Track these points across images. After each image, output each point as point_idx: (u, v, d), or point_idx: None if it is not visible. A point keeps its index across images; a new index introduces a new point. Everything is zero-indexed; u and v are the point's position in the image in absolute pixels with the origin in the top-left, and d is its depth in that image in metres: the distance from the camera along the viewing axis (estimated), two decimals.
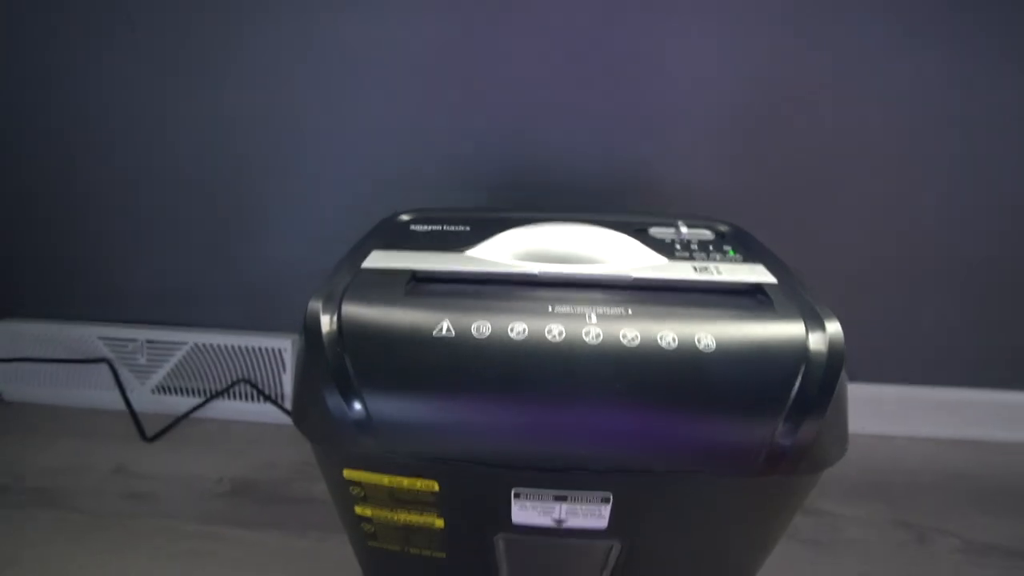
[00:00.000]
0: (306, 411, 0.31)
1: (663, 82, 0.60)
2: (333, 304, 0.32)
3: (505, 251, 0.37)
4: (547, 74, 0.60)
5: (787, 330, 0.30)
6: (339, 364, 0.30)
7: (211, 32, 0.61)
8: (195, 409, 0.74)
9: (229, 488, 0.64)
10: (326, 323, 0.31)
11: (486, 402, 0.28)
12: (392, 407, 0.29)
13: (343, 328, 0.30)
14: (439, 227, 0.42)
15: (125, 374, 0.75)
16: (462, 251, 0.37)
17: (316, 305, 0.32)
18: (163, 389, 0.76)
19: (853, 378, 0.68)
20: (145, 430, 0.72)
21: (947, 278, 0.67)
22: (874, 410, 0.73)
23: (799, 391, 0.28)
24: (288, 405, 0.73)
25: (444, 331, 0.29)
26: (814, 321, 0.30)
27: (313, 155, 0.66)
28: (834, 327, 0.30)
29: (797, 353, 0.29)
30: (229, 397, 0.75)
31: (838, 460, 0.29)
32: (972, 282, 0.67)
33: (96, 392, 0.76)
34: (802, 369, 0.28)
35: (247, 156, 0.66)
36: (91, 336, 0.75)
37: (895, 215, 0.65)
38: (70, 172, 0.69)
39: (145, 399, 0.75)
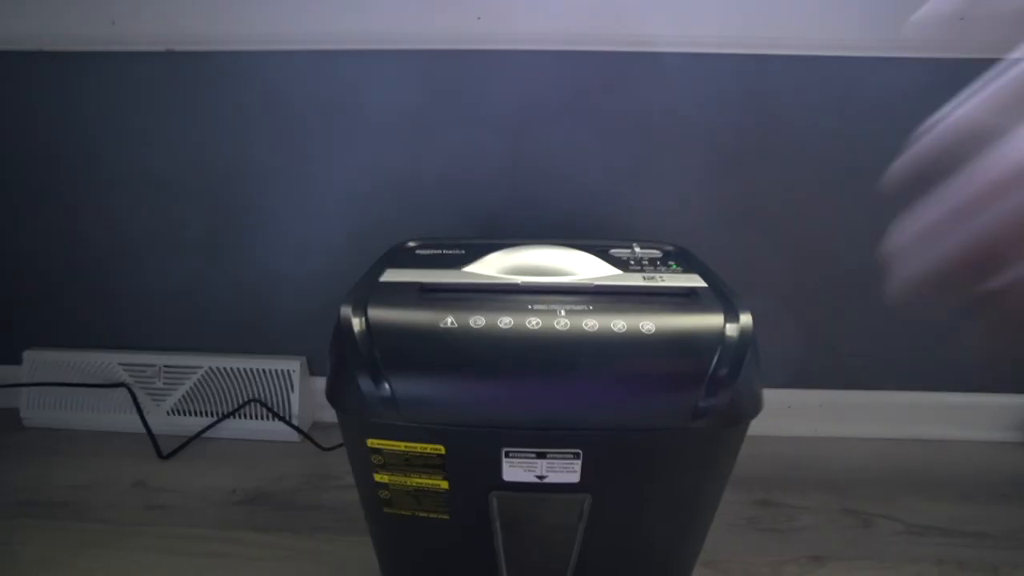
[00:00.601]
0: (341, 393, 0.39)
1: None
2: (361, 309, 0.40)
3: (494, 267, 0.46)
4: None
5: (709, 320, 0.39)
6: (369, 354, 0.38)
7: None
8: (209, 427, 0.80)
9: (243, 498, 0.70)
10: (356, 323, 0.39)
11: (482, 377, 0.37)
12: (410, 385, 0.37)
13: (370, 326, 0.39)
14: (439, 251, 0.51)
15: (143, 397, 0.82)
16: (460, 268, 0.47)
17: (347, 310, 0.40)
18: (178, 411, 0.82)
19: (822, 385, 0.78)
20: (161, 449, 0.77)
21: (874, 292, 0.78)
22: (825, 413, 0.82)
23: (716, 364, 0.37)
24: (297, 422, 0.80)
25: (448, 324, 0.38)
26: (731, 314, 0.40)
27: (321, 193, 0.75)
28: (746, 318, 0.40)
29: (715, 336, 0.38)
30: (241, 417, 0.81)
31: (753, 417, 0.38)
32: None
33: (114, 415, 0.82)
34: (719, 348, 0.38)
35: (258, 187, 0.75)
36: (111, 362, 0.82)
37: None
38: (89, 212, 0.77)
39: (161, 421, 0.81)
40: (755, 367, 0.38)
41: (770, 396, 0.81)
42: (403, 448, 0.39)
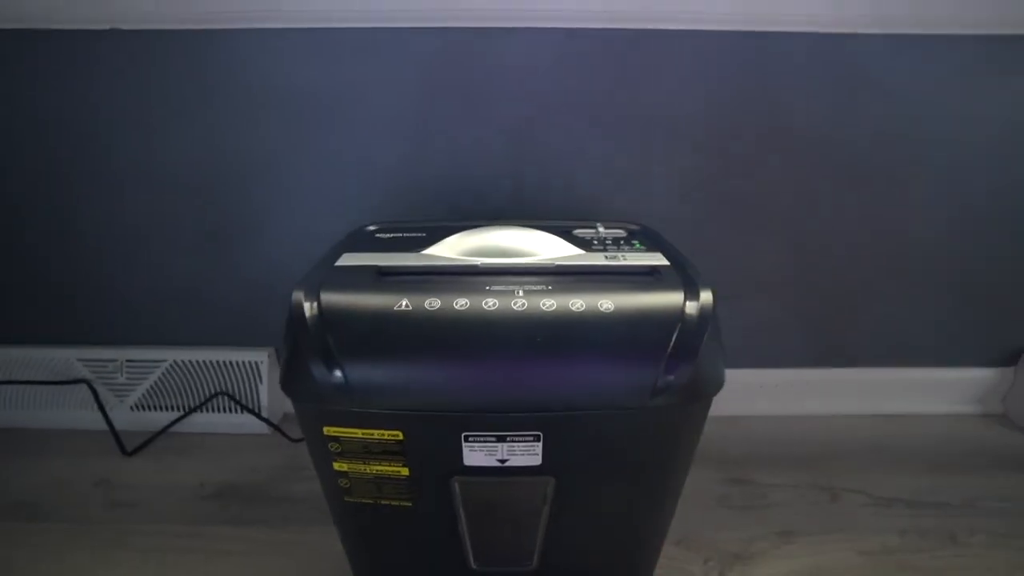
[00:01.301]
0: (294, 380, 0.38)
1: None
2: (313, 294, 0.39)
3: (453, 250, 0.45)
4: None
5: (668, 298, 0.39)
6: (322, 340, 0.37)
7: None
8: (175, 423, 0.78)
9: (212, 492, 0.69)
10: (308, 308, 0.38)
11: (438, 360, 0.36)
12: (364, 371, 0.36)
13: (323, 311, 0.38)
14: (399, 234, 0.50)
15: (104, 393, 0.79)
16: (418, 251, 0.46)
17: (299, 295, 0.39)
18: (142, 406, 0.80)
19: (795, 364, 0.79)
20: (125, 445, 0.75)
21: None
22: (797, 392, 0.83)
23: (676, 341, 0.37)
24: (266, 414, 0.79)
25: (403, 306, 0.37)
26: (691, 291, 0.39)
27: (295, 178, 0.73)
28: (706, 295, 0.39)
29: (674, 314, 0.38)
30: (208, 410, 0.79)
31: (715, 394, 0.38)
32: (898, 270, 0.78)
33: (75, 412, 0.79)
34: (678, 326, 0.37)
35: (234, 174, 0.73)
36: (70, 358, 0.79)
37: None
38: (47, 201, 0.74)
39: (124, 416, 0.79)
40: (716, 344, 0.38)
41: (743, 376, 0.84)
42: (360, 435, 0.38)
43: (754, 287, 0.79)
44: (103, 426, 0.77)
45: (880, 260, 0.78)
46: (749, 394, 0.82)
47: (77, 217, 0.75)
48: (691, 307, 0.38)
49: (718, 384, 0.38)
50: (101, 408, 0.78)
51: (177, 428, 0.79)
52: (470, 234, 0.47)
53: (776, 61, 0.68)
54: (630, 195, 0.73)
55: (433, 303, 0.37)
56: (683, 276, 0.41)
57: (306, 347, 0.37)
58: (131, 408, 0.80)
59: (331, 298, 0.39)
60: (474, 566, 0.45)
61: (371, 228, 0.52)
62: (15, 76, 0.69)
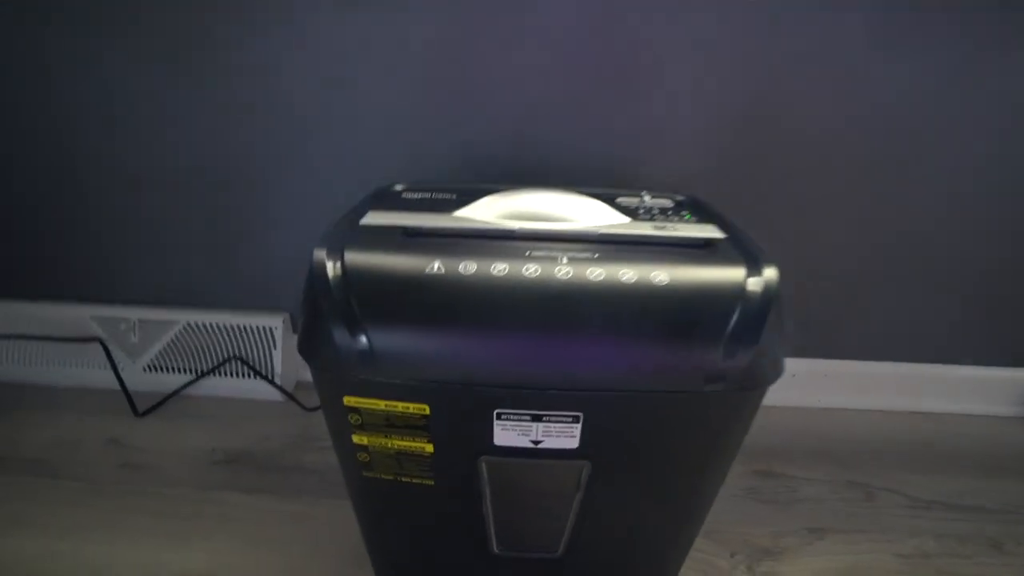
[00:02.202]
0: (314, 345, 0.35)
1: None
2: (336, 253, 0.36)
3: (488, 212, 0.42)
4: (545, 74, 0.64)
5: (728, 273, 0.35)
6: (345, 302, 0.34)
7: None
8: (187, 386, 0.77)
9: (223, 458, 0.67)
10: (331, 269, 0.35)
11: (472, 329, 0.32)
12: (391, 337, 0.33)
13: (347, 272, 0.35)
14: (428, 195, 0.46)
15: (117, 353, 0.77)
16: (450, 213, 0.42)
17: (321, 253, 0.36)
18: (155, 367, 0.78)
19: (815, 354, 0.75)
20: (137, 406, 0.74)
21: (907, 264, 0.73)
22: (829, 384, 0.79)
23: (736, 323, 0.33)
24: (280, 381, 0.76)
25: (435, 269, 0.34)
26: (753, 267, 0.35)
27: (310, 146, 0.70)
28: (770, 272, 0.35)
29: (735, 291, 0.34)
30: (221, 375, 0.77)
31: (773, 382, 0.35)
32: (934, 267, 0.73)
33: (88, 371, 0.78)
34: (739, 305, 0.33)
35: (247, 146, 0.70)
36: (84, 316, 0.78)
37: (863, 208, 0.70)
38: (65, 157, 0.72)
39: (137, 377, 0.77)
40: (778, 327, 0.34)
41: None
42: (383, 407, 0.35)
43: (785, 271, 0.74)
44: (115, 386, 0.76)
45: (921, 249, 0.73)
46: (780, 383, 0.78)
47: (96, 168, 0.72)
48: (753, 284, 0.34)
49: (778, 371, 0.35)
50: (114, 367, 0.76)
51: (189, 391, 0.77)
52: (506, 196, 0.43)
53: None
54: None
55: (468, 267, 0.34)
56: (743, 250, 0.37)
57: (328, 310, 0.34)
58: (143, 369, 0.78)
59: (356, 258, 0.35)
60: (496, 550, 0.42)
61: (398, 187, 0.49)
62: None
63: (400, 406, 0.35)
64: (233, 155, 0.70)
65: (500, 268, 0.33)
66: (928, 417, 0.80)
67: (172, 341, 0.77)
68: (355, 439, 0.37)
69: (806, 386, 0.80)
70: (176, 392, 0.76)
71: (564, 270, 0.33)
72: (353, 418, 0.36)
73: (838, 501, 0.65)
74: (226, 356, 0.77)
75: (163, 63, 0.66)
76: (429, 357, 0.33)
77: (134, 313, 0.77)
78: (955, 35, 0.62)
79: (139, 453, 0.67)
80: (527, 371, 0.33)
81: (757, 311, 0.34)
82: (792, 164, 0.69)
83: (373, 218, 0.41)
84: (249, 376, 0.77)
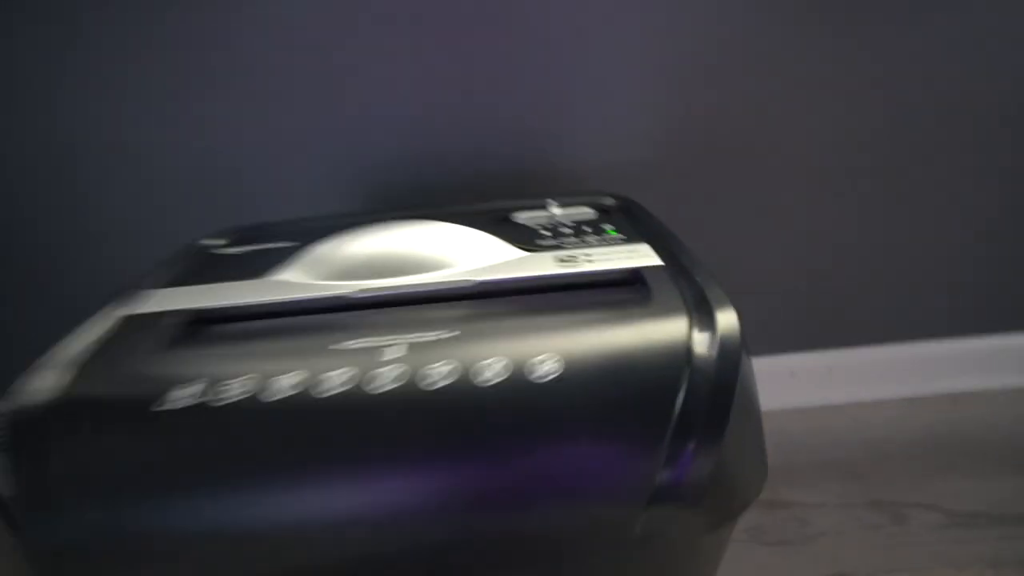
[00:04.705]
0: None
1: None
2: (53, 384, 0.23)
3: (321, 268, 0.28)
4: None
5: (664, 330, 0.22)
6: (44, 468, 0.21)
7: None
8: None
9: None
10: (33, 411, 0.22)
11: (233, 495, 0.20)
12: (97, 520, 0.20)
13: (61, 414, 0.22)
14: (250, 247, 0.33)
15: None
16: (262, 274, 0.29)
17: (26, 387, 0.23)
18: None
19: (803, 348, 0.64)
20: None
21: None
22: (836, 378, 0.67)
23: (680, 413, 0.20)
24: None
25: (173, 403, 0.20)
26: (701, 313, 0.22)
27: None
28: (727, 318, 0.22)
29: (676, 359, 0.21)
30: None
31: (752, 501, 0.22)
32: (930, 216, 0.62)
33: None
34: (683, 380, 0.20)
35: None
36: None
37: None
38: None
39: None
40: (750, 408, 0.22)
41: (770, 364, 0.68)
42: None
43: (773, 256, 0.61)
44: None
45: (931, 200, 0.60)
46: (779, 384, 0.67)
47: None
48: (701, 343, 0.21)
49: (759, 483, 0.22)
50: None
51: None
52: (346, 242, 0.30)
53: None
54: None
55: (236, 387, 0.21)
56: (685, 284, 0.24)
57: (23, 476, 0.21)
58: None
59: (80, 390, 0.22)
60: None
61: (214, 241, 0.35)
62: None
63: None
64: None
65: (288, 384, 0.20)
66: (956, 399, 0.68)
67: None
68: None
69: (807, 386, 0.68)
70: None
71: (388, 373, 0.20)
72: None
73: (862, 530, 0.53)
74: None
75: None
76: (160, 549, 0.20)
77: None
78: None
79: None
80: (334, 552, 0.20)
81: (715, 386, 0.21)
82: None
83: (146, 304, 0.28)
84: None
